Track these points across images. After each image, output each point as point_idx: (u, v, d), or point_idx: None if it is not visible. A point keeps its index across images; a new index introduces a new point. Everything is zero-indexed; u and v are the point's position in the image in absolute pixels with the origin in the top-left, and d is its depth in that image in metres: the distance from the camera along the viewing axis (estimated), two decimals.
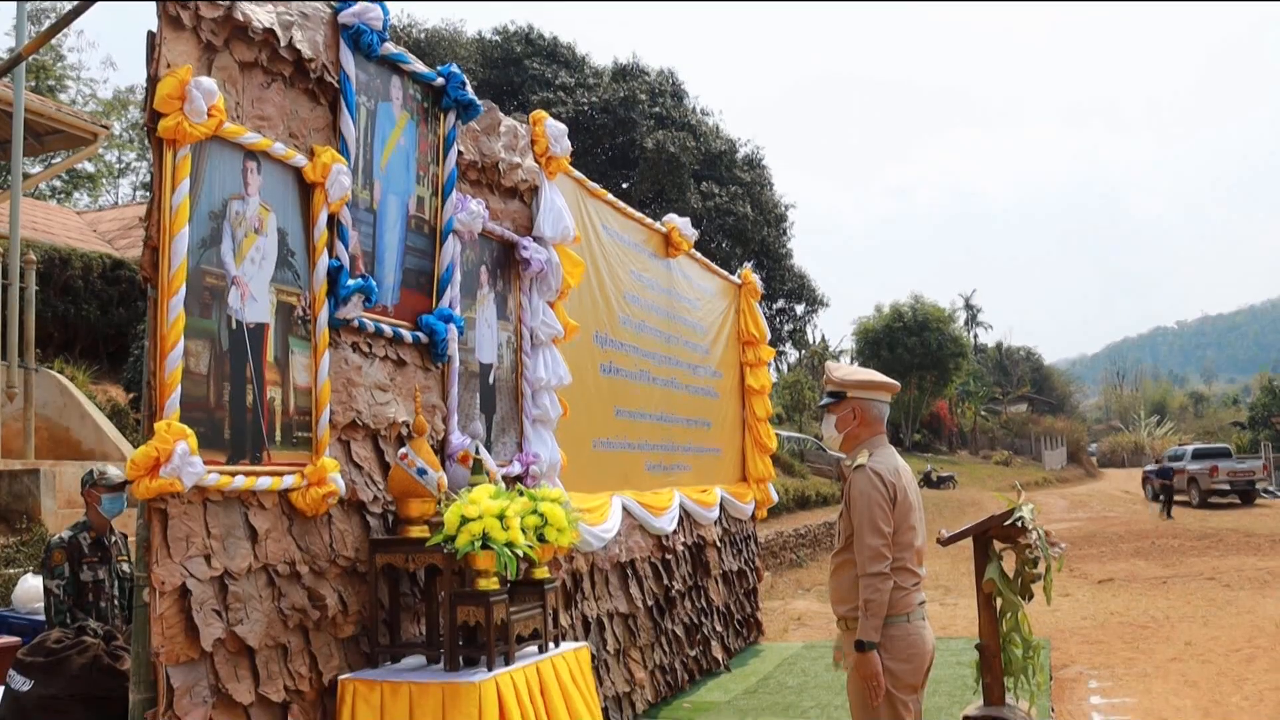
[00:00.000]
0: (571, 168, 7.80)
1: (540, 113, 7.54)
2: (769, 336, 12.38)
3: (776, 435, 12.76)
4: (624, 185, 34.77)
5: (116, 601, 6.23)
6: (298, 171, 4.96)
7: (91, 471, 6.36)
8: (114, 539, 6.35)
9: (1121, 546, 21.87)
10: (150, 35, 4.31)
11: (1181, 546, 21.45)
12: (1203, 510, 31.94)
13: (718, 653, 10.18)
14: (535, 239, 7.16)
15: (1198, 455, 35.73)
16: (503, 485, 5.67)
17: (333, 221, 5.14)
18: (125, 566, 6.33)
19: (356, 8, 5.30)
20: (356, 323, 5.34)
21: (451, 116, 6.14)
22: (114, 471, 6.36)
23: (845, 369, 5.09)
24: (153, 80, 4.26)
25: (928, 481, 41.81)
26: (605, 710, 7.23)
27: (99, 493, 6.25)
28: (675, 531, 9.35)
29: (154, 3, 4.33)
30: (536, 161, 7.32)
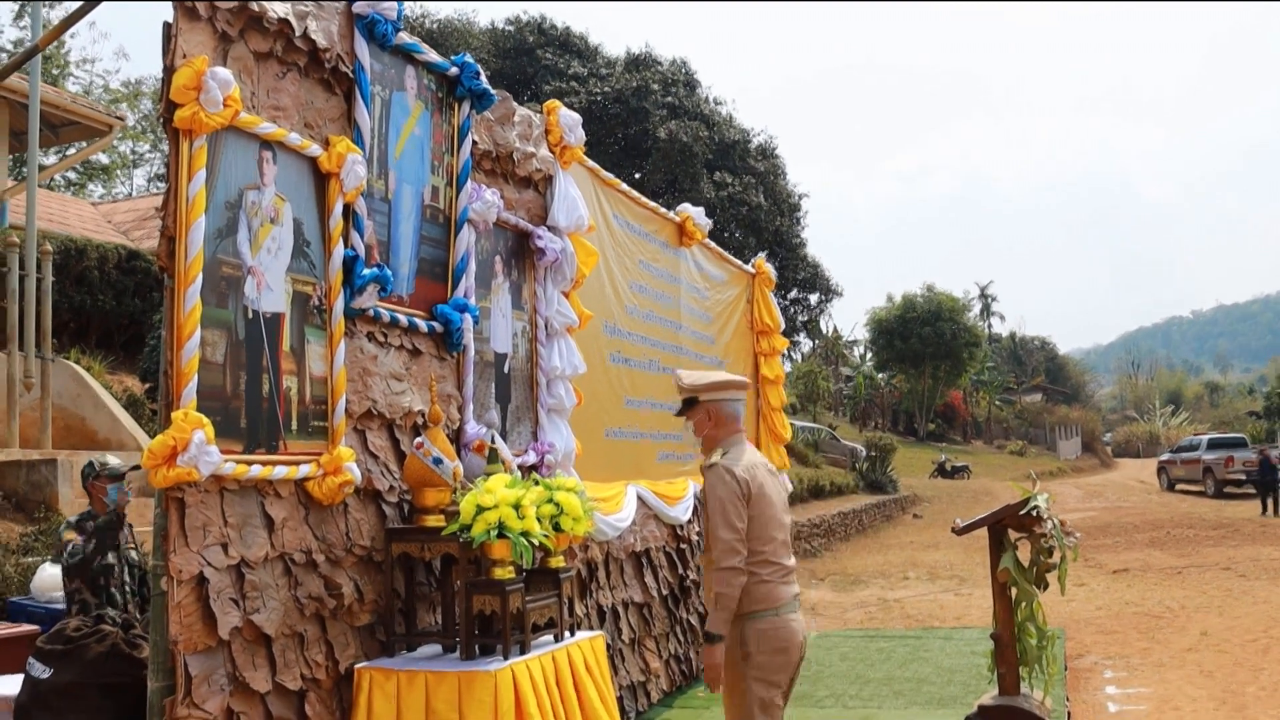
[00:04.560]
0: (585, 157, 7.80)
1: (554, 102, 7.53)
2: (783, 326, 12.35)
3: (791, 425, 12.75)
4: (637, 175, 34.71)
5: (128, 588, 6.25)
6: (313, 161, 4.97)
7: (92, 463, 6.37)
8: (122, 528, 6.37)
9: (1136, 536, 21.85)
10: (166, 26, 4.32)
11: (1196, 536, 21.41)
12: (1218, 500, 31.86)
13: None
14: (550, 228, 7.16)
15: (1213, 445, 35.59)
16: (518, 474, 5.68)
17: (348, 211, 5.15)
18: (134, 554, 6.35)
19: None
20: (372, 312, 5.35)
21: (466, 106, 6.15)
22: (114, 461, 6.39)
23: (693, 375, 5.15)
24: (169, 71, 4.27)
25: (942, 471, 41.76)
26: (620, 699, 7.25)
27: (104, 483, 6.26)
28: (690, 521, 9.35)
29: None
30: (551, 151, 7.32)
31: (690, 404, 5.05)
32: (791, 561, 4.89)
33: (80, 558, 6.02)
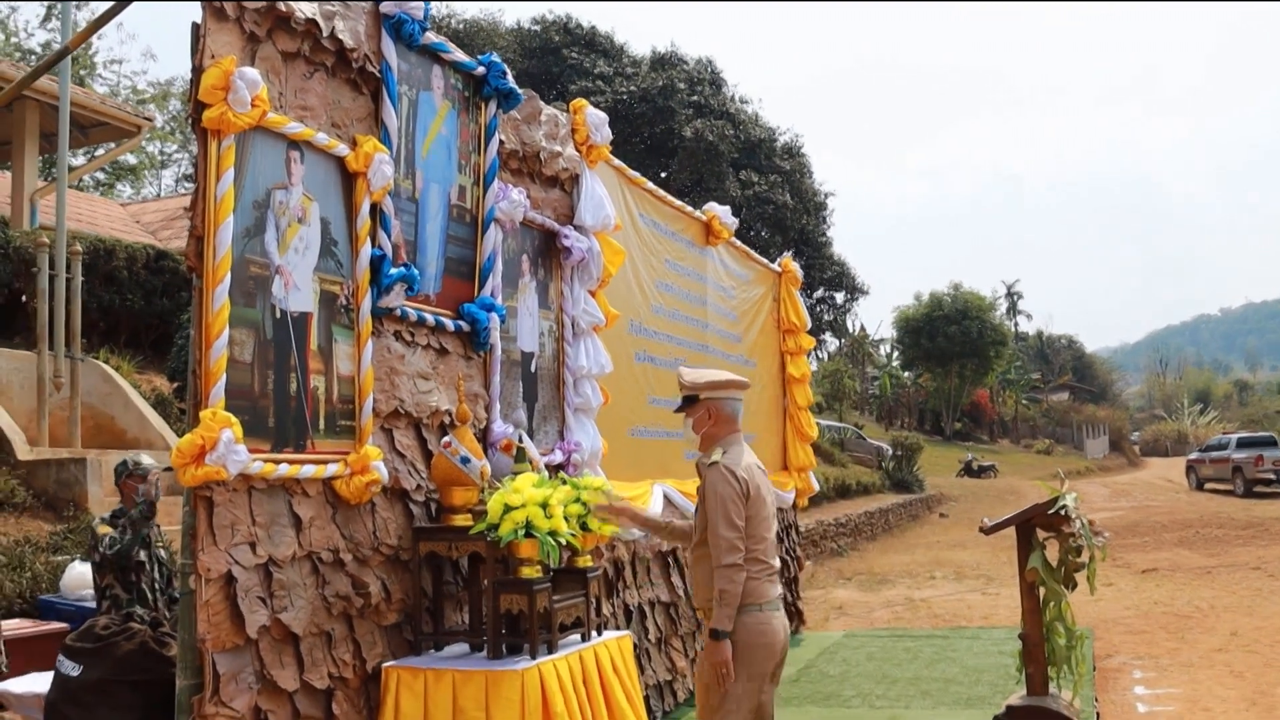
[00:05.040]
0: (611, 156, 7.80)
1: (580, 101, 7.53)
2: (809, 325, 12.33)
3: (817, 424, 12.72)
4: (663, 174, 34.72)
5: (158, 586, 6.27)
6: (340, 161, 4.98)
7: (125, 462, 6.40)
8: (151, 525, 6.40)
9: (1165, 536, 21.68)
10: (195, 26, 4.34)
11: (1226, 536, 21.23)
12: (1247, 499, 31.60)
13: None
14: (576, 227, 7.17)
15: (1242, 444, 35.25)
16: (545, 473, 5.69)
17: (375, 211, 5.16)
18: (163, 552, 6.38)
19: None
20: (399, 311, 5.36)
21: (492, 105, 6.15)
22: (147, 460, 6.42)
23: (695, 372, 5.20)
24: (197, 71, 4.29)
25: (968, 470, 41.55)
26: (647, 699, 7.24)
27: (136, 482, 6.29)
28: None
29: None
30: (577, 150, 7.32)
31: (690, 401, 5.09)
32: (777, 563, 4.99)
33: (119, 548, 6.02)
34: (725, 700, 4.76)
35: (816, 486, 12.58)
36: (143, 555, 6.20)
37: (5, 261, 12.92)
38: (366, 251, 5.09)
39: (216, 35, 4.37)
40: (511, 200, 6.26)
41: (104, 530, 6.10)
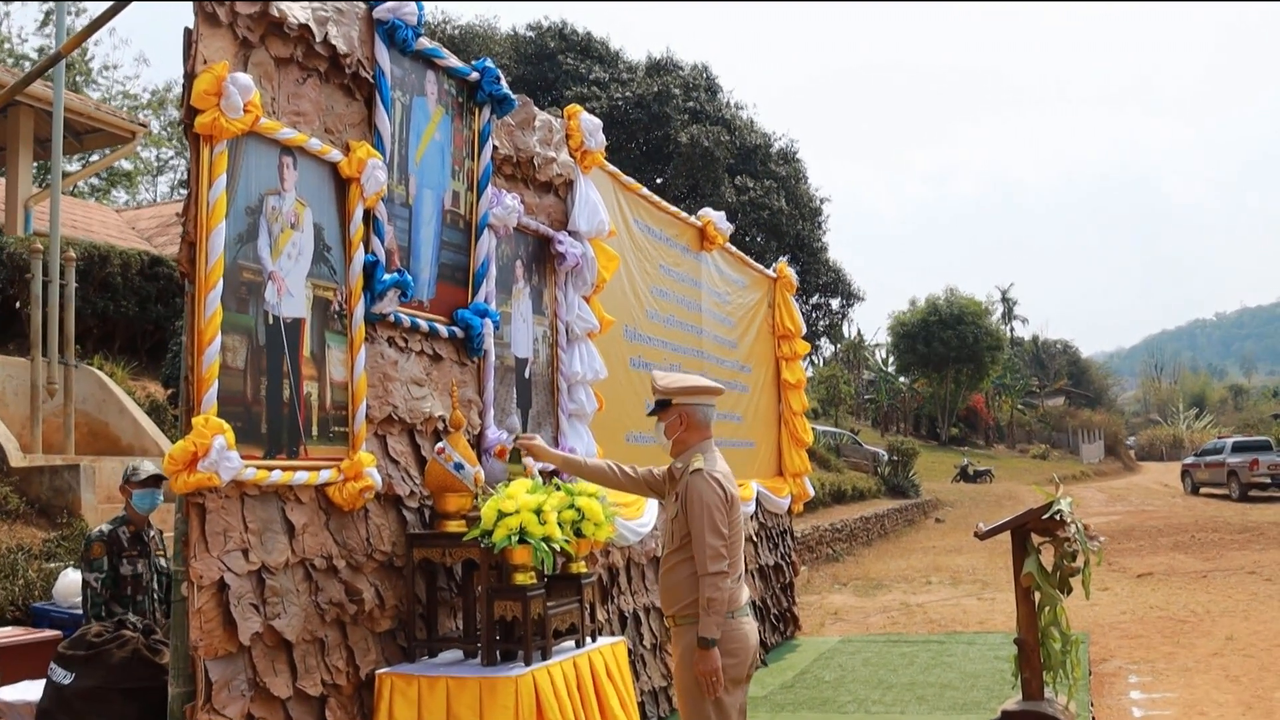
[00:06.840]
0: (606, 162, 7.79)
1: (575, 107, 7.54)
2: (804, 330, 12.33)
3: (812, 429, 12.71)
4: (658, 180, 34.69)
5: (155, 595, 6.28)
6: (333, 167, 4.98)
7: (128, 467, 6.43)
8: (152, 533, 6.41)
9: (1160, 540, 21.68)
10: (187, 32, 4.34)
11: (1221, 540, 21.23)
12: (1243, 504, 31.60)
13: None
14: (570, 233, 7.16)
15: (1238, 448, 35.21)
16: (539, 479, 5.68)
17: (368, 216, 5.16)
18: (163, 561, 6.38)
19: (391, 3, 5.30)
20: (392, 317, 5.35)
21: (486, 111, 6.15)
22: (147, 466, 6.43)
23: (669, 377, 5.27)
24: (189, 76, 4.28)
25: (964, 475, 41.51)
26: (641, 705, 7.23)
27: (130, 489, 6.32)
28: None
29: (190, 1, 4.36)
30: (571, 156, 7.31)
31: (663, 405, 5.14)
32: (741, 567, 5.04)
33: (103, 574, 6.10)
34: (716, 709, 4.78)
35: (812, 492, 12.58)
36: (140, 567, 6.22)
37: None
38: (360, 257, 5.09)
39: (209, 41, 4.37)
40: (505, 206, 6.26)
41: (97, 552, 6.14)
